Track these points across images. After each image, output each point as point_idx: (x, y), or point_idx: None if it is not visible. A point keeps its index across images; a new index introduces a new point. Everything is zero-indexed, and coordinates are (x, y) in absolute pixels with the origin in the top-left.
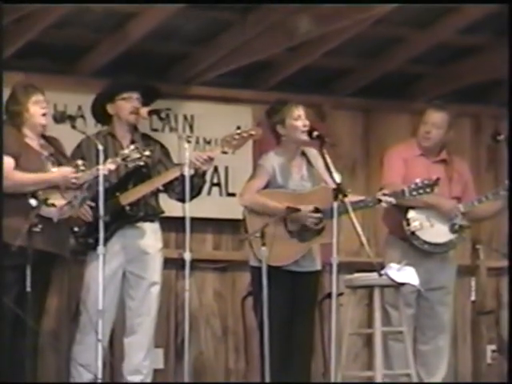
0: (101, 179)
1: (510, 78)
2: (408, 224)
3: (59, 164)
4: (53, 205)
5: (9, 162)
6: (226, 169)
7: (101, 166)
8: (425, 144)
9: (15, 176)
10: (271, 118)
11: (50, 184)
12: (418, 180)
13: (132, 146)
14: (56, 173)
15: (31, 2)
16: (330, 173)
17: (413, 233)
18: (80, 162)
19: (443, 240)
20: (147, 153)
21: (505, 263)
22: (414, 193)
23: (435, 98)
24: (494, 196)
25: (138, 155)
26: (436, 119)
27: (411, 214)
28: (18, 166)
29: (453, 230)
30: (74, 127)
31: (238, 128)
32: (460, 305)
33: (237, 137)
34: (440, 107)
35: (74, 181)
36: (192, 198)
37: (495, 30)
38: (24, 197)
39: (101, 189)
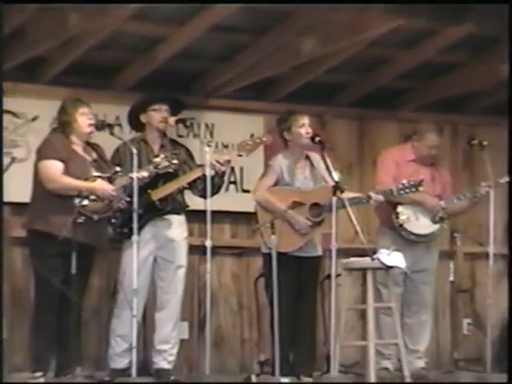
0: (135, 183)
1: (510, 79)
2: (397, 217)
3: (101, 168)
4: (95, 199)
5: (58, 166)
6: (241, 169)
7: (135, 174)
8: (429, 159)
9: (63, 180)
10: (280, 126)
11: (91, 193)
12: (404, 181)
13: (162, 155)
14: (98, 185)
15: (31, 2)
16: (330, 173)
17: (401, 225)
18: (118, 168)
19: (427, 231)
20: (175, 161)
21: (479, 249)
22: (401, 191)
23: (419, 108)
24: (470, 195)
25: (167, 163)
26: (436, 142)
27: (399, 208)
28: (66, 170)
29: (434, 222)
30: (112, 134)
31: (252, 135)
32: (440, 284)
33: (250, 142)
34: (438, 131)
35: (112, 193)
36: (212, 194)
37: (471, 49)
38: (69, 197)
39: (135, 190)
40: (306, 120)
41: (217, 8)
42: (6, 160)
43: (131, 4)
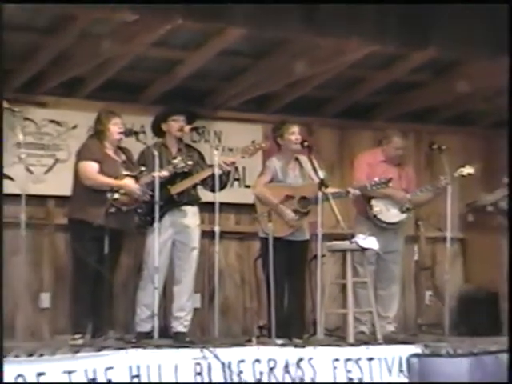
0: (157, 180)
1: (510, 81)
2: (371, 208)
3: (129, 168)
4: (124, 193)
5: (94, 166)
6: (244, 168)
7: (157, 173)
8: (396, 160)
9: (98, 178)
10: (274, 133)
11: (120, 188)
12: (376, 178)
13: (179, 157)
14: (127, 182)
15: (31, 3)
16: (316, 172)
17: (374, 215)
18: (143, 168)
19: (395, 220)
20: (190, 162)
21: (438, 234)
22: (374, 187)
23: (390, 118)
24: (431, 188)
25: (183, 164)
26: (401, 144)
27: (373, 201)
28: (100, 170)
29: (402, 212)
30: (138, 140)
31: (253, 141)
32: (407, 263)
33: (251, 147)
34: (402, 136)
35: (137, 189)
36: (220, 189)
37: (433, 70)
38: (103, 192)
39: (157, 186)
40: (295, 128)
41: (223, 36)
42: (50, 161)
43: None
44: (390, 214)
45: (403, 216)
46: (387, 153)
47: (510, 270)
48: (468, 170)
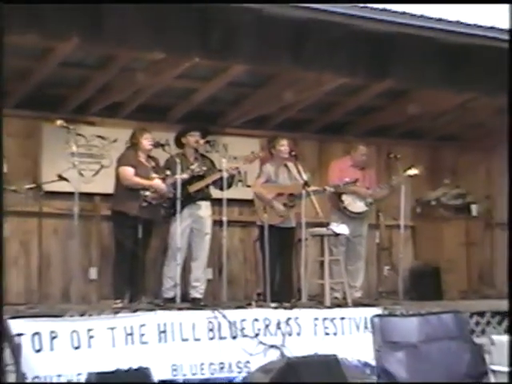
0: (178, 182)
1: (509, 84)
2: (342, 202)
3: (157, 172)
4: (154, 191)
5: (130, 170)
6: (246, 172)
7: (178, 176)
8: (361, 164)
9: (134, 179)
10: (268, 145)
11: (151, 187)
12: (347, 179)
13: (195, 164)
14: (155, 183)
15: (31, 3)
16: (300, 174)
17: (345, 207)
18: (168, 172)
19: (360, 210)
20: (203, 168)
21: (394, 222)
22: (344, 186)
23: (357, 134)
24: (387, 186)
25: (198, 169)
26: (365, 151)
27: (344, 197)
28: (135, 173)
29: (366, 205)
30: (164, 150)
31: (252, 152)
32: (370, 244)
33: (251, 156)
34: (366, 146)
35: (163, 190)
36: (227, 188)
37: (390, 96)
38: (137, 190)
39: (178, 186)
40: (285, 142)
41: (229, 71)
42: (97, 166)
43: (176, 69)
44: (356, 206)
45: (366, 208)
46: (354, 159)
47: (509, 270)
48: (413, 171)
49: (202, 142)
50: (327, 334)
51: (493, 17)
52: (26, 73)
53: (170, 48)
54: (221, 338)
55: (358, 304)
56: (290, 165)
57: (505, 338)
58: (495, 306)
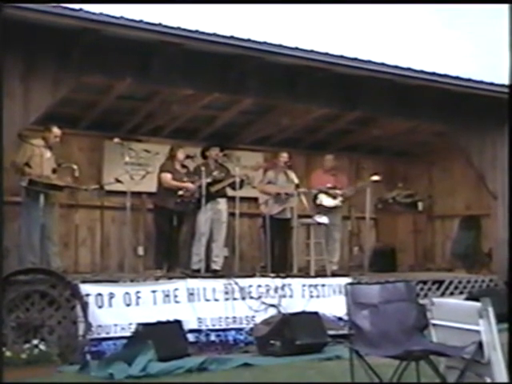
0: (203, 184)
1: (510, 87)
2: (318, 199)
3: (188, 176)
4: (185, 191)
5: (169, 175)
6: (253, 177)
7: (203, 180)
8: (331, 170)
9: (171, 182)
10: (272, 157)
11: (183, 188)
12: (329, 184)
13: (216, 171)
14: (188, 185)
15: (31, 2)
16: (293, 179)
17: (320, 204)
18: (196, 177)
19: (335, 204)
20: (222, 174)
21: (361, 214)
22: (323, 188)
23: (334, 150)
24: (354, 189)
25: (218, 175)
26: (332, 162)
27: (319, 196)
28: (172, 177)
29: (339, 201)
30: (193, 161)
31: (257, 162)
32: (344, 232)
33: (256, 165)
34: (335, 156)
35: (193, 190)
36: (239, 189)
37: (360, 122)
38: (173, 190)
39: (203, 187)
40: (285, 154)
41: (241, 103)
42: (143, 172)
43: (202, 101)
44: (331, 202)
45: (340, 203)
46: (324, 168)
47: (509, 270)
48: (375, 177)
49: (220, 155)
50: (312, 296)
51: (436, 63)
52: (93, 104)
53: (197, 86)
54: (234, 299)
55: (334, 274)
56: (286, 172)
57: (441, 299)
58: (435, 276)
